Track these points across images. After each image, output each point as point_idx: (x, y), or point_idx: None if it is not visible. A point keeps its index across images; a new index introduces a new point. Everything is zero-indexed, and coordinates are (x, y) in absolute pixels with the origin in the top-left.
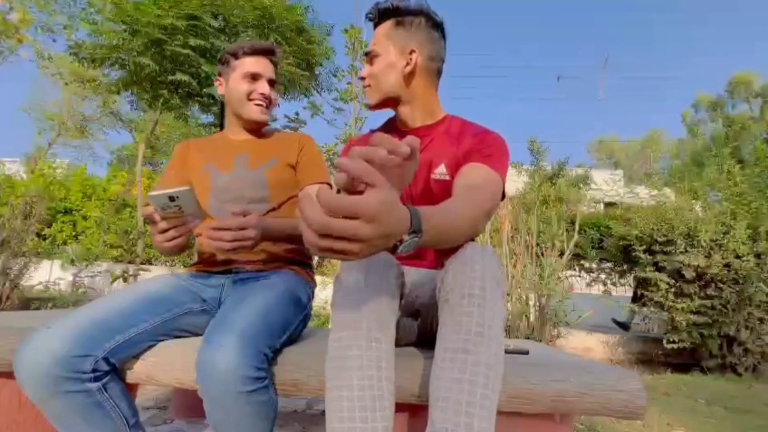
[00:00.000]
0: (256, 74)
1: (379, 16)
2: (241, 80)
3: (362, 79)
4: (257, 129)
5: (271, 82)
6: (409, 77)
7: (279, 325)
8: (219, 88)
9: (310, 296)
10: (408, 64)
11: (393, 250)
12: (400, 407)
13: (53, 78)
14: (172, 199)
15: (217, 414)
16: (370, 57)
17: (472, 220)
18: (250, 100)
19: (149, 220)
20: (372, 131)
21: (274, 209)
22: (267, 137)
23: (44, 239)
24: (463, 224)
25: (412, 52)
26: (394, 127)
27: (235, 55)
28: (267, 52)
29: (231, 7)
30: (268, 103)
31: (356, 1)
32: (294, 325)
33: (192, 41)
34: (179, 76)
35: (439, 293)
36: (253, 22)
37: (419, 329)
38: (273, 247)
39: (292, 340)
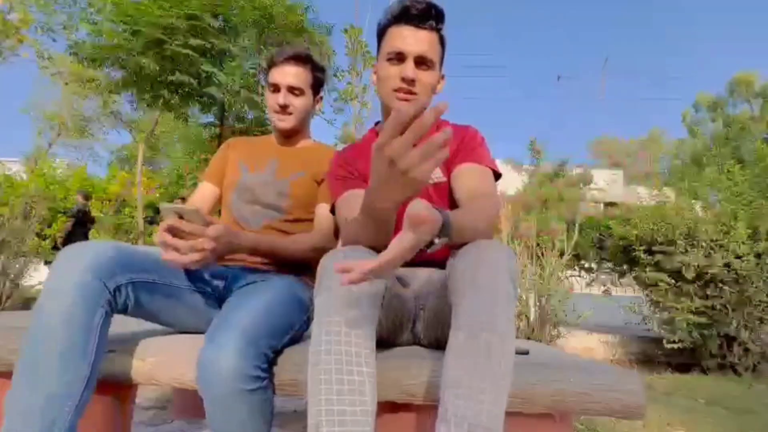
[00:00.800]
0: (275, 85)
1: (433, 18)
2: (267, 91)
3: (411, 81)
4: (289, 137)
5: (294, 90)
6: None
7: (282, 326)
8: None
9: (312, 299)
10: (438, 84)
11: (422, 249)
12: (403, 407)
13: (53, 78)
14: (180, 216)
15: (217, 413)
16: (423, 62)
17: (485, 229)
18: (273, 111)
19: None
20: (378, 122)
21: (289, 221)
22: (303, 148)
23: (44, 239)
24: (478, 232)
25: (442, 77)
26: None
27: (269, 65)
28: (293, 59)
29: (231, 7)
30: (286, 112)
31: (356, 1)
32: (297, 325)
33: (192, 41)
34: (179, 76)
35: (450, 284)
36: (253, 22)
37: (424, 327)
38: None
39: (293, 341)
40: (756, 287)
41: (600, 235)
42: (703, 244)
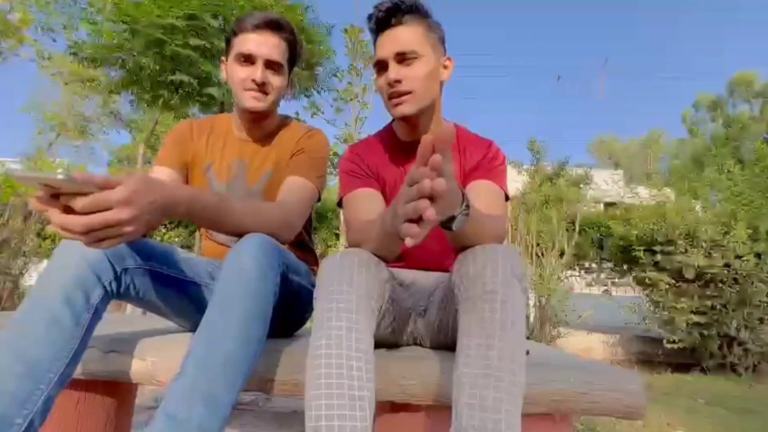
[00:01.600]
0: (250, 56)
1: (402, 12)
2: (235, 63)
3: (397, 82)
4: (259, 119)
5: (273, 65)
6: (440, 86)
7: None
8: (222, 71)
9: (312, 283)
10: (444, 70)
11: (448, 223)
12: (403, 408)
13: (53, 78)
14: (52, 188)
15: (226, 303)
16: (405, 58)
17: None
18: (244, 89)
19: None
20: (384, 129)
21: None
22: (273, 135)
23: (44, 239)
24: (484, 240)
25: (449, 59)
26: (392, 136)
27: (235, 32)
28: (269, 26)
29: (231, 7)
30: (263, 91)
31: (356, 1)
32: (303, 270)
33: (192, 41)
34: (179, 76)
35: (458, 289)
36: None
37: (425, 329)
38: None
39: (293, 328)
40: (756, 287)
41: (600, 235)
42: (703, 244)
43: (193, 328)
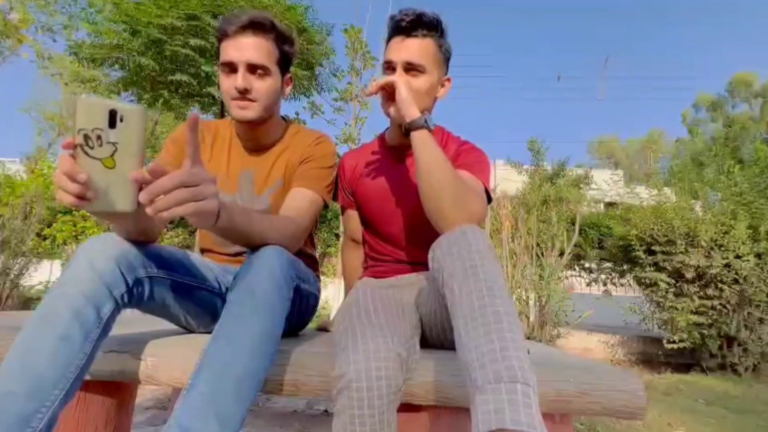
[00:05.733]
0: (231, 63)
1: (423, 27)
2: (222, 74)
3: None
4: (256, 127)
5: (256, 68)
6: (434, 102)
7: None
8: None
9: (318, 288)
10: (442, 88)
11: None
12: (403, 408)
13: (53, 78)
14: (113, 123)
15: (241, 313)
16: (412, 69)
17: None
18: (231, 99)
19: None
20: (380, 134)
21: None
22: (277, 143)
23: (44, 239)
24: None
25: (448, 79)
26: (381, 142)
27: (219, 39)
28: (246, 29)
29: (231, 7)
30: (247, 98)
31: (356, 1)
32: (313, 278)
33: (192, 41)
34: (179, 76)
35: (440, 273)
36: None
37: (425, 329)
38: None
39: (297, 328)
40: (756, 287)
41: (600, 235)
42: (703, 244)
43: (197, 330)
